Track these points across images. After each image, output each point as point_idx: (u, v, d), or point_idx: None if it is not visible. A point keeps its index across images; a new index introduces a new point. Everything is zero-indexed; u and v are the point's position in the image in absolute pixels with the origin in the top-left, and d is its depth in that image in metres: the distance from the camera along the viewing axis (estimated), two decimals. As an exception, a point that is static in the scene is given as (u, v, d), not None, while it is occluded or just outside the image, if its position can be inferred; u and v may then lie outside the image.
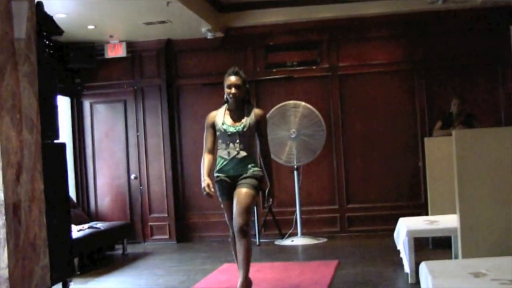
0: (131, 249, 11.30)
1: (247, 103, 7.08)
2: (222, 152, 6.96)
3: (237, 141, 6.87)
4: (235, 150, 6.88)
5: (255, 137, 7.04)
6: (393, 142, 11.78)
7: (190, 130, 12.20)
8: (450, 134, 6.24)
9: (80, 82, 12.40)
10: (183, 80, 12.28)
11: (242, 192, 6.81)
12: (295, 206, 11.46)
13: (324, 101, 11.93)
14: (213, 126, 7.05)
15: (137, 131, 12.24)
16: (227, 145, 6.91)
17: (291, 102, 11.40)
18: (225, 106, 7.09)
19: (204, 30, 11.41)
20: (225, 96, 7.05)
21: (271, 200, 7.07)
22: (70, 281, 8.07)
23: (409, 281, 7.44)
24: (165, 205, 12.05)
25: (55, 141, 7.81)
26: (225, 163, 6.93)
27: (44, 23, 7.51)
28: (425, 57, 11.76)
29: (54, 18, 7.99)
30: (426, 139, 10.02)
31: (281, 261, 9.70)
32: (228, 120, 6.97)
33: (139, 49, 12.19)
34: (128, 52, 12.02)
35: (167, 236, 12.13)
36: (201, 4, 10.80)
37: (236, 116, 6.98)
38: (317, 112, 11.31)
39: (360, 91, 11.90)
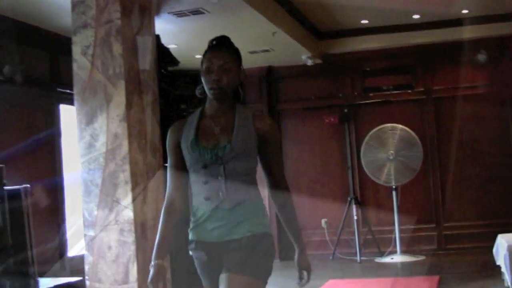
0: (235, 266, 11.71)
1: (240, 103, 3.92)
2: (197, 198, 3.69)
3: (221, 174, 3.59)
4: (219, 193, 3.61)
5: (256, 163, 3.76)
6: (489, 162, 11.89)
7: (291, 152, 12.59)
8: None
9: (185, 108, 12.98)
10: (283, 105, 12.74)
11: (235, 283, 3.56)
12: (392, 224, 11.67)
13: (419, 123, 12.16)
14: (178, 146, 3.76)
15: (241, 154, 12.61)
16: (205, 183, 3.63)
17: (389, 125, 11.68)
18: (199, 110, 3.86)
19: (305, 57, 11.81)
20: (197, 91, 3.96)
21: (305, 273, 3.91)
22: (187, 294, 8.56)
23: (510, 294, 7.62)
24: (267, 226, 12.36)
25: (173, 164, 8.34)
26: (204, 217, 3.68)
27: (162, 55, 8.09)
28: (519, 79, 11.90)
29: (166, 49, 8.58)
30: (522, 158, 10.26)
31: (383, 277, 9.98)
32: (204, 135, 3.71)
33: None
34: (231, 79, 12.51)
35: (269, 255, 12.45)
36: (302, 33, 11.16)
37: (220, 126, 3.72)
38: (414, 134, 11.58)
39: (454, 113, 11.95)
